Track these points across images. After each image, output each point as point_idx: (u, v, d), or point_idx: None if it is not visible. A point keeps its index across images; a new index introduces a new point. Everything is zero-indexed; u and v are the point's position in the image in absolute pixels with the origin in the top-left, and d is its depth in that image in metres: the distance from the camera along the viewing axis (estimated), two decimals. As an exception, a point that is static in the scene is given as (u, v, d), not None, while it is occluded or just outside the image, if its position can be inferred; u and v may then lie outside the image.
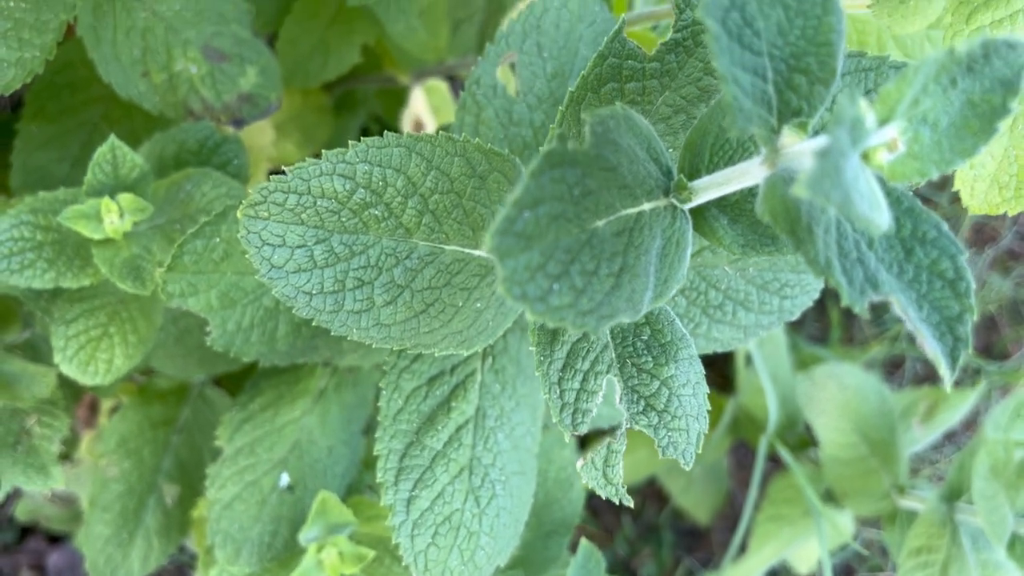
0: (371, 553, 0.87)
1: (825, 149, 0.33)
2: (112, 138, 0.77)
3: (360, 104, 1.45)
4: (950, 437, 1.86)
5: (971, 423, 1.86)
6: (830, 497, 1.40)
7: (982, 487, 1.10)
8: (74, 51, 0.95)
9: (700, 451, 0.60)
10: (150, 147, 0.87)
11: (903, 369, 1.89)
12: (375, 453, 0.72)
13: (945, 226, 0.43)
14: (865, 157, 0.39)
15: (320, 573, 0.87)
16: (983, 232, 2.03)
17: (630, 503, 0.58)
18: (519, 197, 0.41)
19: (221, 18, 0.90)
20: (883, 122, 0.40)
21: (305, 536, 0.87)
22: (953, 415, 1.46)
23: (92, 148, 0.96)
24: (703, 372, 0.61)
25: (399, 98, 1.41)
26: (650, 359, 0.59)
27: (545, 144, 0.53)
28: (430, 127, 1.31)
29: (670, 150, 0.58)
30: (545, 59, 0.80)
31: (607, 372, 0.59)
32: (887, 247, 0.42)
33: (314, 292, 0.62)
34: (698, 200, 0.50)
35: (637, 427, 0.58)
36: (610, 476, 0.57)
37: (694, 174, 0.51)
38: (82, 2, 0.84)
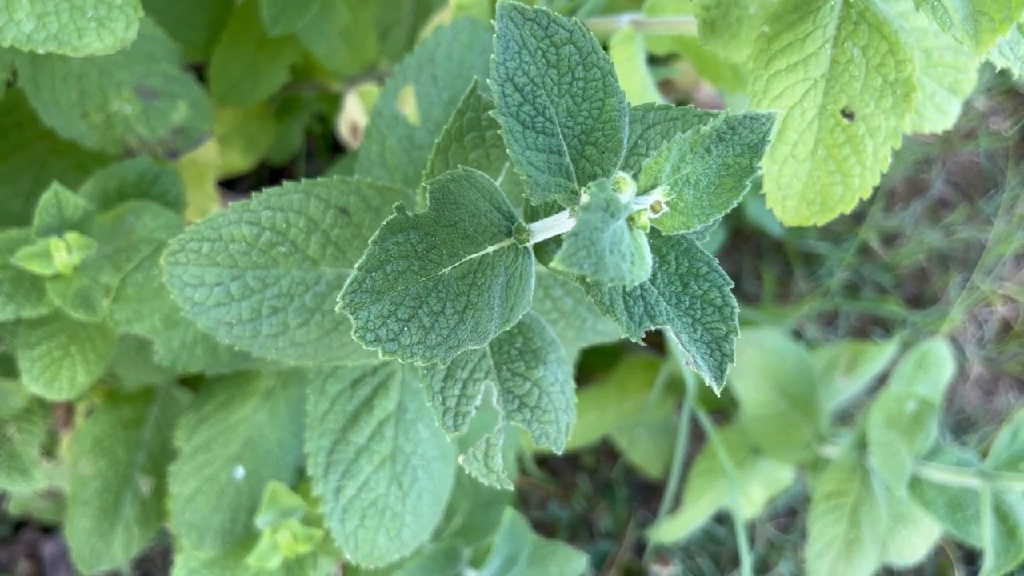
0: (320, 532, 0.98)
1: (574, 231, 0.43)
2: (55, 184, 0.86)
3: (302, 107, 1.52)
4: (884, 380, 1.97)
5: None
6: (758, 451, 1.52)
7: (878, 436, 1.22)
8: (17, 92, 1.03)
9: (570, 438, 0.70)
10: (94, 183, 0.96)
11: (837, 322, 2.00)
12: (305, 451, 0.83)
13: (716, 263, 0.53)
14: (632, 220, 0.49)
15: (276, 552, 0.98)
16: (915, 184, 2.13)
17: (510, 487, 0.68)
18: (364, 262, 0.51)
19: (150, 58, 0.99)
20: (648, 189, 0.50)
21: (260, 521, 0.98)
22: (874, 366, 1.58)
23: (42, 182, 1.05)
24: (571, 371, 0.71)
25: (340, 98, 1.49)
26: (523, 363, 0.70)
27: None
28: (366, 130, 1.40)
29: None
30: (440, 88, 0.88)
31: (485, 378, 0.69)
32: (667, 282, 0.52)
33: (234, 322, 0.72)
34: (537, 239, 0.60)
35: (513, 423, 0.69)
36: (491, 466, 0.68)
37: (534, 217, 0.61)
38: (20, 56, 0.92)
